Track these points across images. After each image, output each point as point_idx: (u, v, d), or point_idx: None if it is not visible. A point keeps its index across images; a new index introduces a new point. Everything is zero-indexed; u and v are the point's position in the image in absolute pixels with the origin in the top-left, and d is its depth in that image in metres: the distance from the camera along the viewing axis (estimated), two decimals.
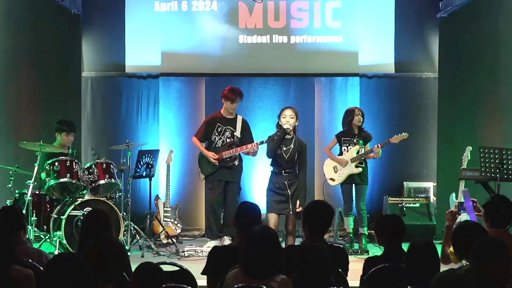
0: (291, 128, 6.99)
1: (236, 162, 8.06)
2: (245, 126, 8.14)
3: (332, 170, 8.20)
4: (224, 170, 8.02)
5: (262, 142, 7.74)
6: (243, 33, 9.27)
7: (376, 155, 8.12)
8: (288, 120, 7.00)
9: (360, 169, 8.07)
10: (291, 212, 6.96)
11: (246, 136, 8.08)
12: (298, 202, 6.97)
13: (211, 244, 7.88)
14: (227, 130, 8.06)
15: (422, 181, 9.19)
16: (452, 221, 4.86)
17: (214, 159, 7.94)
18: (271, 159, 7.17)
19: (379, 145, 8.08)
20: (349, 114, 8.16)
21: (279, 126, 7.08)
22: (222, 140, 8.06)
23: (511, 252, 4.00)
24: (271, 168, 7.14)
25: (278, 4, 9.24)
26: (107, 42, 9.42)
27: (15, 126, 8.82)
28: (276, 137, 7.02)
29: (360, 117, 8.10)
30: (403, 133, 8.12)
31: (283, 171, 7.04)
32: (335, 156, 8.21)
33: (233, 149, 7.94)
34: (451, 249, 4.71)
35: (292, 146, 7.02)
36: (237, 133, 8.05)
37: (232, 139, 8.04)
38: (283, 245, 6.60)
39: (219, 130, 8.06)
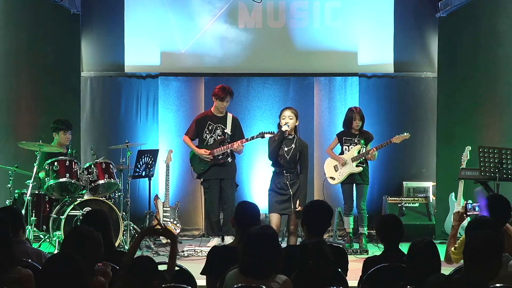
0: (289, 129, 6.96)
1: (229, 159, 8.09)
2: (236, 124, 8.18)
3: (333, 169, 8.19)
4: (217, 167, 8.06)
5: (248, 140, 7.79)
6: (243, 33, 9.27)
7: (372, 157, 8.10)
8: (287, 121, 6.97)
9: (360, 169, 8.05)
10: (293, 212, 6.95)
11: (237, 134, 8.13)
12: (298, 201, 6.95)
13: (213, 242, 7.90)
14: (218, 128, 8.10)
15: (421, 181, 9.19)
16: (459, 222, 4.86)
17: (206, 155, 7.96)
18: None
19: (376, 148, 8.06)
20: (349, 117, 8.14)
21: (279, 126, 7.07)
22: (213, 138, 8.09)
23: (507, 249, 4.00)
24: (273, 169, 7.13)
25: (277, 4, 9.23)
26: (106, 42, 9.41)
27: (14, 126, 8.82)
28: (277, 138, 7.00)
29: (358, 121, 8.06)
30: (405, 133, 8.10)
31: (284, 171, 7.01)
32: (336, 155, 8.20)
33: (225, 146, 7.97)
34: (453, 248, 4.71)
35: (293, 146, 7.00)
36: (228, 130, 8.07)
37: (223, 136, 8.06)
38: (284, 245, 6.65)
39: (210, 128, 8.09)
